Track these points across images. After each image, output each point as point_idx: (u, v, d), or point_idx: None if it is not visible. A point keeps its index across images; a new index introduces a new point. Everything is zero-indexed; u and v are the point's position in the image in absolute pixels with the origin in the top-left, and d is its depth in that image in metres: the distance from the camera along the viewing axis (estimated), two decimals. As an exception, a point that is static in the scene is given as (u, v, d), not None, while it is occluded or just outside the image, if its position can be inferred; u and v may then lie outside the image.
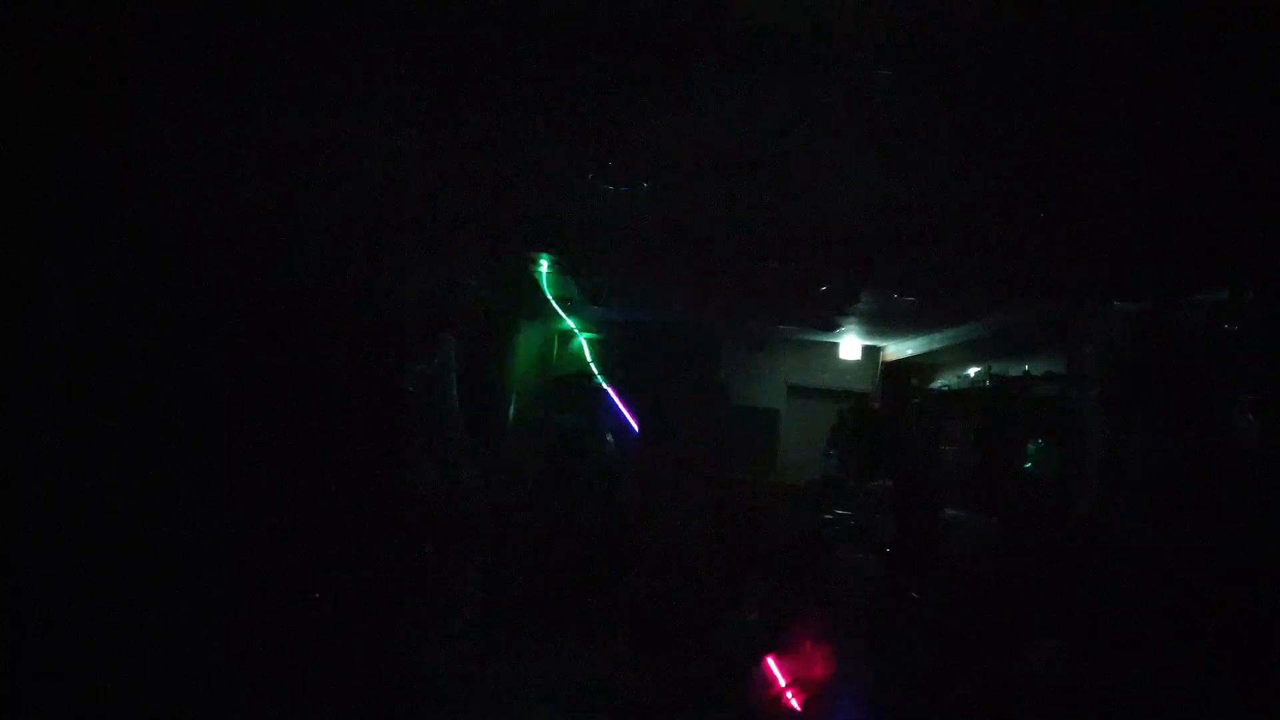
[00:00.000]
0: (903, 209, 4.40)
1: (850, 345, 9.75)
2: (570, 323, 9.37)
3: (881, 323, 8.33)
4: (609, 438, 8.84)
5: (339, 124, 3.92)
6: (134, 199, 4.98)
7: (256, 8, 2.81)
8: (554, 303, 8.14)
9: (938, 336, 8.30)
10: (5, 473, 4.53)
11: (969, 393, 7.83)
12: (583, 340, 9.71)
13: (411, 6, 2.70)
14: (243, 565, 4.97)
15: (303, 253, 6.21)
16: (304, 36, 2.98)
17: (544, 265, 6.97)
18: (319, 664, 4.84)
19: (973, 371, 7.91)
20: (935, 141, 3.44)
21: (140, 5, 2.82)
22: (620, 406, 9.02)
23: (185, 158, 4.60)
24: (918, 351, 8.97)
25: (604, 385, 9.28)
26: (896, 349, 9.65)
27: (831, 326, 8.65)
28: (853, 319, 8.18)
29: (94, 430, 5.07)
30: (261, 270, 5.65)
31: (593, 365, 9.55)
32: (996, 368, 7.42)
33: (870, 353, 9.99)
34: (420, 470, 6.22)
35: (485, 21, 2.70)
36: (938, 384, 8.91)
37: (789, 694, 5.50)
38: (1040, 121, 3.15)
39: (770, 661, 5.67)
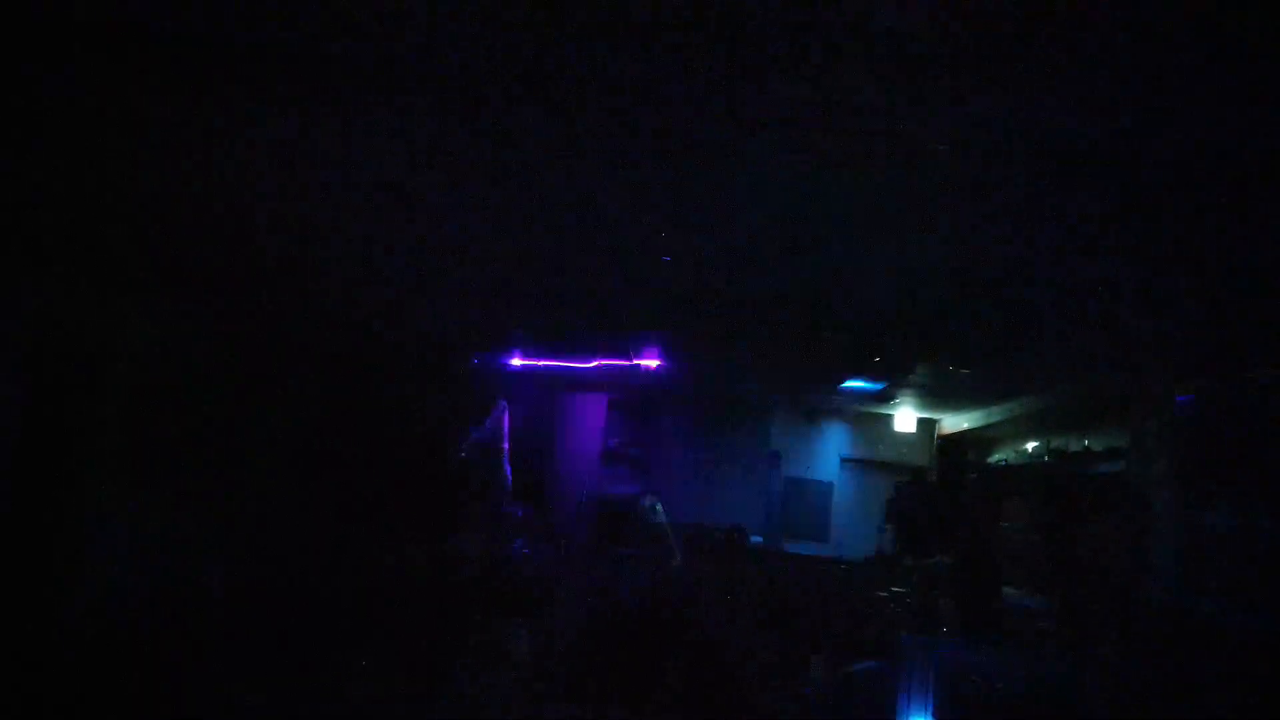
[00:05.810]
0: (960, 279, 4.39)
1: (905, 417, 9.62)
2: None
3: (938, 395, 8.23)
4: (658, 507, 8.77)
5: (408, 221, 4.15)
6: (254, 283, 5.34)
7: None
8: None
9: (995, 409, 8.15)
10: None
11: (1028, 467, 7.65)
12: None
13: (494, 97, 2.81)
14: (289, 632, 5.02)
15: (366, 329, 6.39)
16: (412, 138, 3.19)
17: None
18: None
19: (1031, 446, 7.73)
20: (994, 212, 3.44)
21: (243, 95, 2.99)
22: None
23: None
24: (975, 424, 8.81)
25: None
26: (953, 422, 9.49)
27: (886, 398, 8.55)
28: (908, 390, 8.09)
29: (164, 487, 5.23)
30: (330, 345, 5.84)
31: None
32: (1056, 442, 7.24)
33: (926, 425, 9.84)
34: (469, 536, 6.25)
35: (559, 96, 2.79)
36: (995, 458, 8.72)
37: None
38: (1104, 194, 3.14)
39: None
